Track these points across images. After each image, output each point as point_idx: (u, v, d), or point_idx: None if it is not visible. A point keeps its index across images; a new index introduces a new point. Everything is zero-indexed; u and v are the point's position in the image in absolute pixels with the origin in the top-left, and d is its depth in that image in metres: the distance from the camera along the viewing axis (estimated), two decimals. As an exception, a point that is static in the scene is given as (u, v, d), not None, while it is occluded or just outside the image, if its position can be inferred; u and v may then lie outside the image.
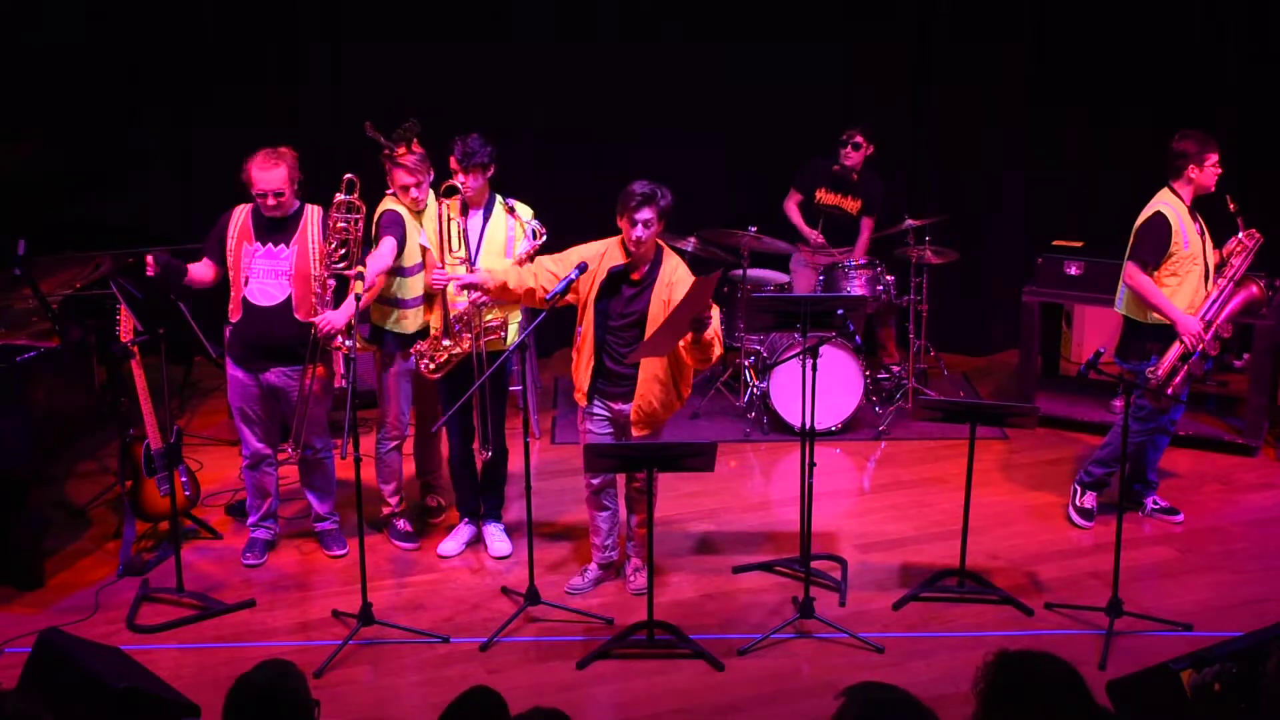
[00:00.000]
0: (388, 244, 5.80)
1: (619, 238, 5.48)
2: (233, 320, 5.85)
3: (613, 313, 5.51)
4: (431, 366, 5.85)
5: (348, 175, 5.68)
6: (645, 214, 5.35)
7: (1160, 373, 5.93)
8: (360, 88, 8.36)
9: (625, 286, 5.50)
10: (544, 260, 5.62)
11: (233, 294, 5.84)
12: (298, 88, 8.47)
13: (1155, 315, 6.03)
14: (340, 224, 5.68)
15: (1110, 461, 6.28)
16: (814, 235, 8.07)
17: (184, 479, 6.11)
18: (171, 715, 4.04)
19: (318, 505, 6.20)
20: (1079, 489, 6.44)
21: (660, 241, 5.53)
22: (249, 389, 5.88)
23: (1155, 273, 6.02)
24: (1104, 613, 5.39)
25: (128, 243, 7.12)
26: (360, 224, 5.72)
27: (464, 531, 6.26)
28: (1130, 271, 6.08)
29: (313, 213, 5.81)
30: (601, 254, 5.50)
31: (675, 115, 8.72)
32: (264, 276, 5.75)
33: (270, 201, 5.68)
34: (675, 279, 5.46)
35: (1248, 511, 6.62)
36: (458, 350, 5.80)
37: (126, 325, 5.75)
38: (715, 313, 5.36)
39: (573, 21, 8.46)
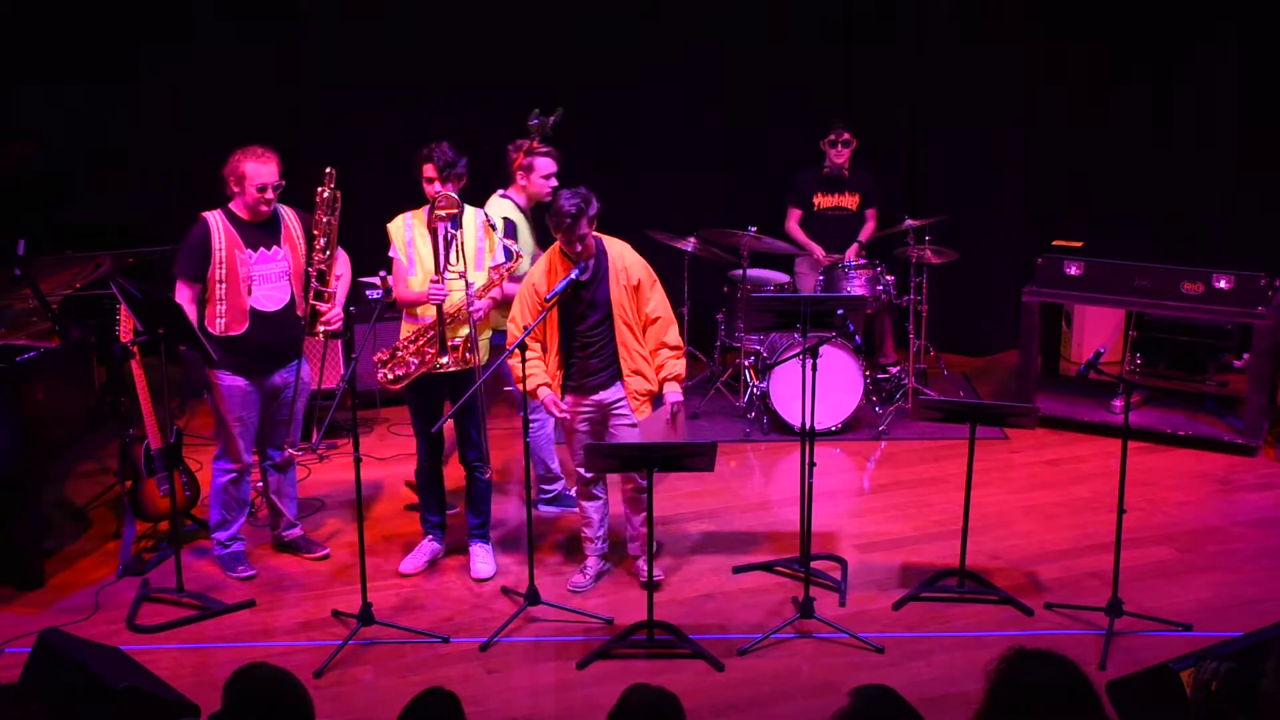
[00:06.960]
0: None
1: (555, 247, 5.57)
2: (234, 332, 5.66)
3: (575, 315, 5.56)
4: (390, 377, 5.72)
5: (329, 169, 5.67)
6: (581, 230, 5.43)
7: None
8: (359, 87, 8.36)
9: (581, 289, 5.57)
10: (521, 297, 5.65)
11: (225, 306, 5.63)
12: (297, 87, 8.47)
13: None
14: (325, 219, 5.71)
15: None
16: (819, 251, 8.07)
17: (184, 479, 6.11)
18: (171, 715, 4.03)
19: (290, 511, 6.17)
20: None
21: (596, 234, 5.59)
22: (251, 396, 5.79)
23: None
24: (1104, 613, 5.38)
25: (128, 243, 7.13)
26: (338, 216, 5.74)
27: (426, 548, 6.07)
28: None
29: (287, 212, 5.79)
30: (547, 271, 5.56)
31: (675, 115, 8.72)
32: (266, 282, 5.69)
33: (270, 195, 5.62)
34: (627, 264, 5.56)
35: (1248, 511, 6.61)
36: (453, 367, 5.66)
37: (126, 325, 5.75)
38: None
39: (572, 21, 8.45)
